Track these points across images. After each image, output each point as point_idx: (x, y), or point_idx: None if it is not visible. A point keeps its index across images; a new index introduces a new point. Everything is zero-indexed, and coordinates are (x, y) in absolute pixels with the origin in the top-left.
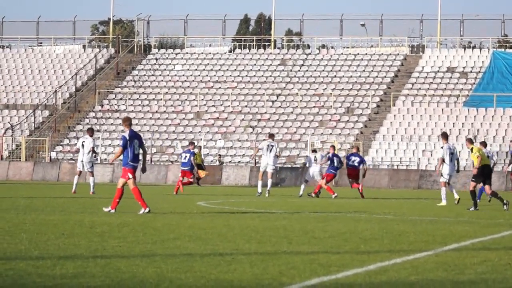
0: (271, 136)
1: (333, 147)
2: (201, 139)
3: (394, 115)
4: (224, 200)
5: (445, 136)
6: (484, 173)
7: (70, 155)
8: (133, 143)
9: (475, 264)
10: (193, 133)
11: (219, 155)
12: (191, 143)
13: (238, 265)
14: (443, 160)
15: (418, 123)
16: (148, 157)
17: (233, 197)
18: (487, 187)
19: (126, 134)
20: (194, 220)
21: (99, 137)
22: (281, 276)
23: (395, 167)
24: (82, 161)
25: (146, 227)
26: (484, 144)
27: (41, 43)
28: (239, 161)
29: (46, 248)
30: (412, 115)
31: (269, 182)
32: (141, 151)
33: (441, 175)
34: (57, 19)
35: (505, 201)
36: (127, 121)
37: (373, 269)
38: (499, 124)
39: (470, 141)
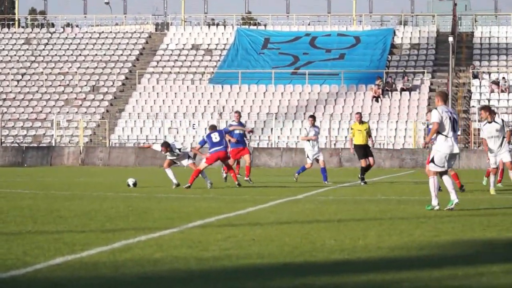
0: None
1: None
2: None
3: (140, 93)
4: None
5: None
6: None
7: None
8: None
9: (220, 240)
10: None
11: None
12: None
13: None
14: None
15: (163, 100)
16: None
17: None
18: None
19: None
20: None
21: None
22: (25, 256)
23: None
24: None
25: None
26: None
27: None
28: None
29: None
30: (157, 93)
31: None
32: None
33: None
34: None
35: None
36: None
37: (118, 247)
38: (244, 100)
39: None
